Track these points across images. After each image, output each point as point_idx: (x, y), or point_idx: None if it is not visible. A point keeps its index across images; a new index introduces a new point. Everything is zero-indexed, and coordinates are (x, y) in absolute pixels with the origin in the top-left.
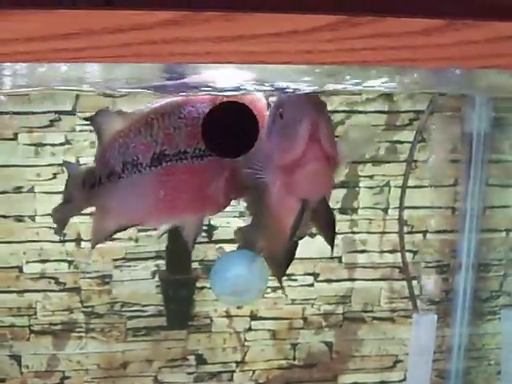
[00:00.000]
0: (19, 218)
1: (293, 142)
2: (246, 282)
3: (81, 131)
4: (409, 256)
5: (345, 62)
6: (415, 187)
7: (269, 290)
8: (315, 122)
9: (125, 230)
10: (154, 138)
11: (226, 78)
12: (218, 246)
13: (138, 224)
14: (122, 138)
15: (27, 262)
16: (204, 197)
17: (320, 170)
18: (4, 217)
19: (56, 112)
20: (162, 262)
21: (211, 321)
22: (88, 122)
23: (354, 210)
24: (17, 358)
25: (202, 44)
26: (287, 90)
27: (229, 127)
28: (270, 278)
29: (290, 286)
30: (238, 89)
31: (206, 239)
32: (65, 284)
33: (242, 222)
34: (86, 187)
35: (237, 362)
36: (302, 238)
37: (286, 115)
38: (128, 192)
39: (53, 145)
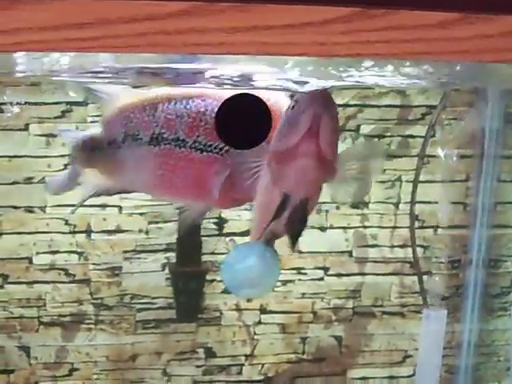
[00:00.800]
0: (29, 209)
1: (291, 130)
2: (258, 274)
3: (92, 122)
4: (420, 251)
5: (359, 54)
6: (427, 182)
7: (279, 284)
8: (318, 116)
9: (126, 192)
10: (155, 119)
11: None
12: (228, 238)
13: (139, 191)
14: (128, 111)
15: (37, 253)
16: (202, 189)
17: (309, 167)
18: (14, 207)
19: (67, 103)
20: (172, 255)
21: (221, 314)
22: (98, 113)
23: (365, 204)
24: (26, 350)
25: (216, 35)
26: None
27: (242, 119)
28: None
29: (300, 279)
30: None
31: (217, 232)
32: (74, 275)
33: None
34: (85, 151)
35: (246, 356)
36: (278, 237)
37: (295, 106)
38: (128, 161)
39: None
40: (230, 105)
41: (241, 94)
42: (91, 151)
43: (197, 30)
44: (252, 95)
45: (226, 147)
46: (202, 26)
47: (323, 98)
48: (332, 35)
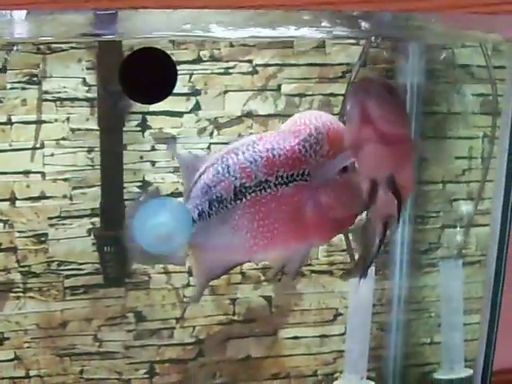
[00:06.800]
0: None
1: (349, 126)
2: (169, 230)
3: (12, 89)
4: None
5: (262, 5)
6: None
7: None
8: (364, 104)
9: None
10: (231, 174)
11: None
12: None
13: (238, 264)
14: (203, 178)
15: None
16: (301, 224)
17: (376, 150)
18: None
19: None
20: (97, 220)
21: (149, 277)
22: (18, 80)
23: None
24: None
25: None
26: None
27: (147, 72)
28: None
29: None
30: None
31: (141, 195)
32: (0, 244)
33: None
34: None
35: (176, 319)
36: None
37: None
38: (220, 229)
39: None
40: (135, 58)
41: (148, 48)
42: None
43: None
44: (159, 50)
45: (307, 170)
46: None
47: (363, 85)
48: None
